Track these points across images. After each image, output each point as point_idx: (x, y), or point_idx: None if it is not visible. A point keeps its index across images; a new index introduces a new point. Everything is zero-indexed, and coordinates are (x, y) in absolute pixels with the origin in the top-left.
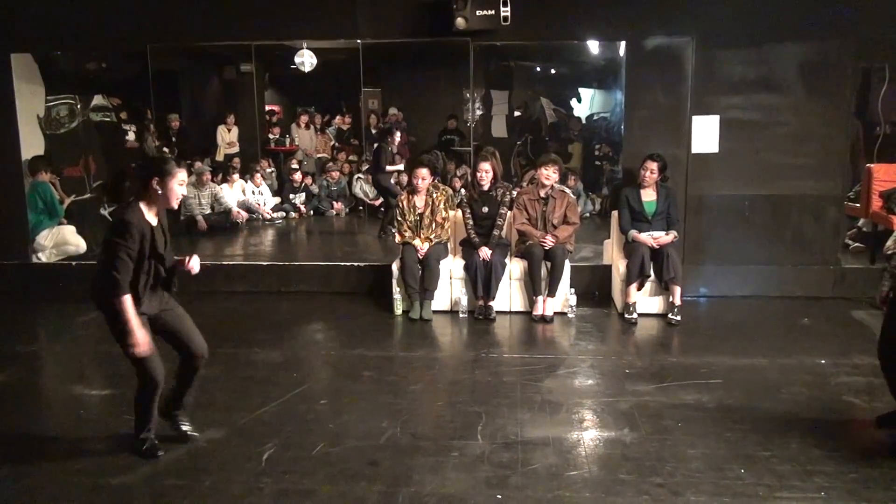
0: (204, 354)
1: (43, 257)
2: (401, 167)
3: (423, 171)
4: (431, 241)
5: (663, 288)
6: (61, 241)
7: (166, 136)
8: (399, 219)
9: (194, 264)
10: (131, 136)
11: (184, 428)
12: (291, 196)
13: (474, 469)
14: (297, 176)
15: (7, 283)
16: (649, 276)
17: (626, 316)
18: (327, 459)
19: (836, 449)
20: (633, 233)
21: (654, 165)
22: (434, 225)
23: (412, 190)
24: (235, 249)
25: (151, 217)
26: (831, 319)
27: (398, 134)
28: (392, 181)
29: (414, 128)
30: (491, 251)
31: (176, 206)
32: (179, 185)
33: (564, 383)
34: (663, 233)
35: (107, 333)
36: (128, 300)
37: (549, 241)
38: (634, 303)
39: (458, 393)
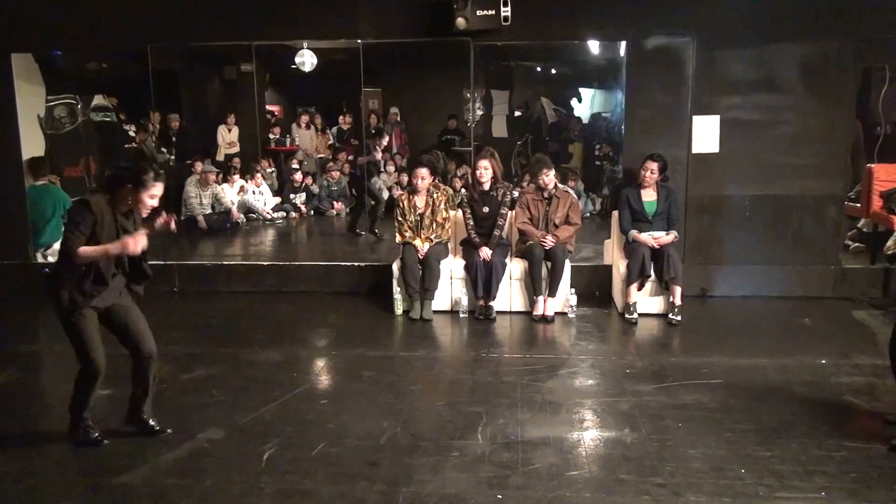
0: (152, 354)
1: (53, 259)
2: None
3: (423, 171)
4: (432, 241)
5: (664, 288)
6: None
7: (166, 136)
8: (399, 219)
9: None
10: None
11: (151, 423)
12: (292, 196)
13: (475, 469)
14: (298, 176)
15: (7, 283)
16: (650, 276)
17: (627, 316)
18: (327, 459)
19: (837, 449)
20: (634, 233)
21: (654, 165)
22: (434, 225)
23: (412, 190)
24: (235, 249)
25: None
26: (832, 319)
27: (386, 138)
28: (376, 183)
29: (414, 128)
30: (491, 251)
31: (144, 216)
32: (150, 198)
33: (565, 383)
34: (664, 233)
35: (107, 333)
36: (86, 248)
37: (549, 242)
38: (635, 303)
39: (458, 393)
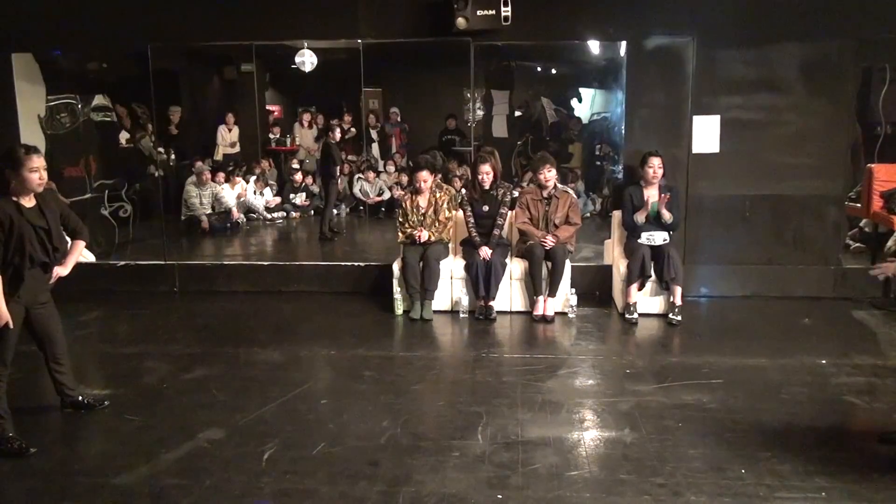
0: (60, 360)
1: None
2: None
3: (424, 174)
4: (433, 236)
5: (664, 288)
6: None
7: (166, 135)
8: (401, 219)
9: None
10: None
11: (81, 399)
12: (292, 196)
13: (475, 469)
14: (298, 176)
15: None
16: (650, 276)
17: (627, 316)
18: (328, 459)
19: (837, 449)
20: (637, 215)
21: (657, 161)
22: (437, 224)
23: (415, 191)
24: (235, 249)
25: (26, 202)
26: (832, 320)
27: (338, 131)
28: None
29: (414, 128)
30: (491, 251)
31: (39, 190)
32: (31, 172)
33: (565, 383)
34: (663, 233)
35: (107, 333)
36: None
37: (549, 242)
38: (635, 303)
39: (458, 393)
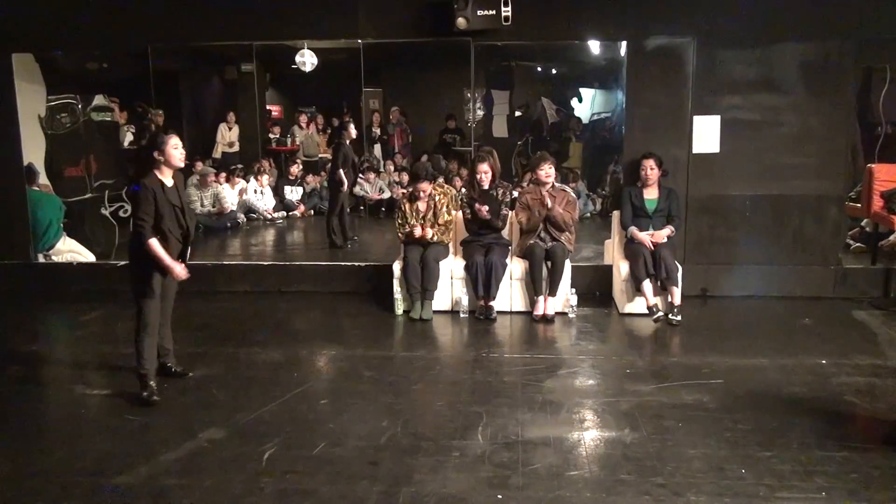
0: (164, 324)
1: (56, 258)
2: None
3: (424, 185)
4: (434, 236)
5: (661, 288)
6: (75, 248)
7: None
8: (400, 221)
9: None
10: (130, 137)
11: (168, 366)
12: (287, 188)
13: (475, 469)
14: (295, 168)
15: (8, 283)
16: (654, 274)
17: (653, 318)
18: (328, 459)
19: (837, 449)
20: (633, 229)
21: (652, 162)
22: (436, 227)
23: (412, 197)
24: (235, 249)
25: (167, 180)
26: (832, 320)
27: (352, 128)
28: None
29: (414, 128)
30: (489, 208)
31: (181, 166)
32: (174, 149)
33: (565, 383)
34: (663, 230)
35: (107, 333)
36: (155, 242)
37: (556, 208)
38: (655, 304)
39: (458, 393)
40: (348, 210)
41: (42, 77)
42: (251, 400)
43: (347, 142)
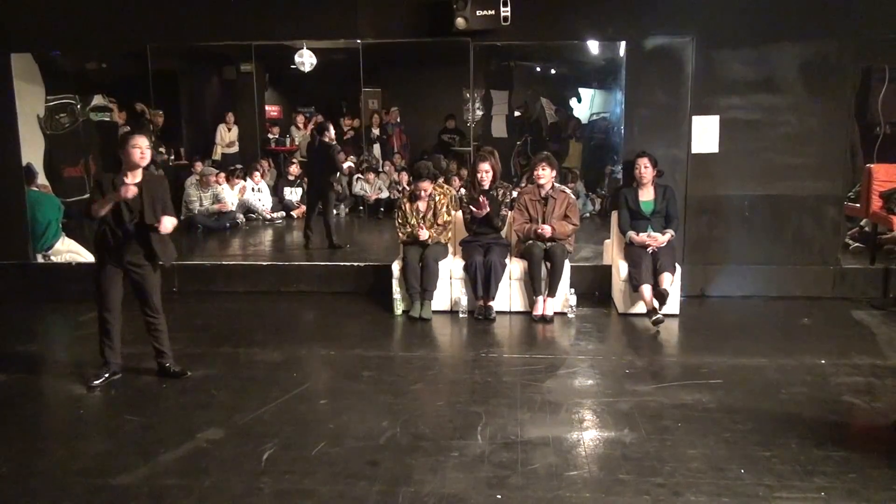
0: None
1: (55, 258)
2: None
3: (425, 184)
4: (433, 236)
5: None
6: (74, 248)
7: (167, 135)
8: (400, 220)
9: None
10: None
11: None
12: (286, 190)
13: (474, 469)
14: (293, 168)
15: (7, 283)
16: (654, 283)
17: (653, 319)
18: (327, 459)
19: (836, 449)
20: (631, 234)
21: (645, 161)
22: (435, 227)
23: (412, 197)
24: (235, 249)
25: (130, 178)
26: (831, 319)
27: (332, 128)
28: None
29: (414, 128)
30: (488, 201)
31: (141, 165)
32: (133, 147)
33: (564, 383)
34: (661, 233)
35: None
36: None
37: (546, 229)
38: (654, 308)
39: (458, 393)
40: (335, 213)
41: (41, 77)
42: (250, 400)
43: (327, 140)
